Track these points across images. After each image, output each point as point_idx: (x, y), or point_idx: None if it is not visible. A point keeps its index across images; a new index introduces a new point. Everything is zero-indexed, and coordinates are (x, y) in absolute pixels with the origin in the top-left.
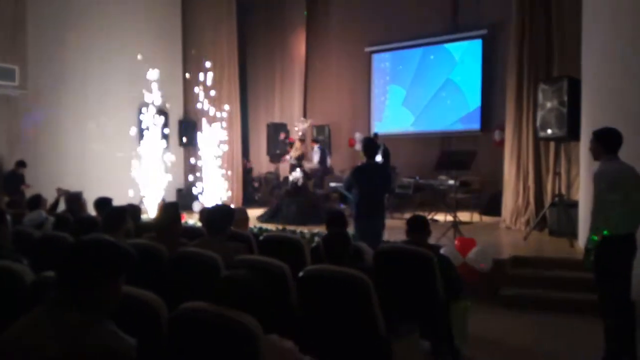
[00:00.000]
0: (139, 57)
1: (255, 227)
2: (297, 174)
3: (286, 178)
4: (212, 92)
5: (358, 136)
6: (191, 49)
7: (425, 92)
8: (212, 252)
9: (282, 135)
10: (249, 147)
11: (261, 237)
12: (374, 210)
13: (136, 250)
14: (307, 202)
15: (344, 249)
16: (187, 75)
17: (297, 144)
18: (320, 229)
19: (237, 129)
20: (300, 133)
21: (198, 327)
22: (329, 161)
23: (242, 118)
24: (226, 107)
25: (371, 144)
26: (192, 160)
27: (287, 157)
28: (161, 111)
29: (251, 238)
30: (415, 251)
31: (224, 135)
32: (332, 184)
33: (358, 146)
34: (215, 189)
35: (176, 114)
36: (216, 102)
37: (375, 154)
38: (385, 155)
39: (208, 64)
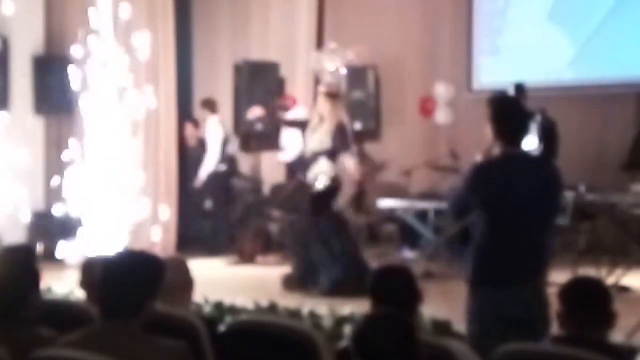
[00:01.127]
0: None
1: (206, 302)
2: (322, 178)
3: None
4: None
5: (443, 92)
6: None
7: None
8: (113, 359)
9: (254, 112)
10: (192, 118)
11: (222, 327)
12: (525, 269)
13: None
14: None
15: (401, 358)
16: None
17: (323, 103)
18: (358, 307)
19: (169, 77)
20: (327, 78)
21: None
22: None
23: (180, 53)
24: (133, 32)
25: (516, 110)
26: (67, 149)
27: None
28: None
29: (198, 327)
30: None
31: (137, 88)
32: (385, 203)
33: (442, 115)
34: (115, 212)
35: (28, 43)
36: (123, 26)
37: (525, 132)
38: (547, 137)
39: None
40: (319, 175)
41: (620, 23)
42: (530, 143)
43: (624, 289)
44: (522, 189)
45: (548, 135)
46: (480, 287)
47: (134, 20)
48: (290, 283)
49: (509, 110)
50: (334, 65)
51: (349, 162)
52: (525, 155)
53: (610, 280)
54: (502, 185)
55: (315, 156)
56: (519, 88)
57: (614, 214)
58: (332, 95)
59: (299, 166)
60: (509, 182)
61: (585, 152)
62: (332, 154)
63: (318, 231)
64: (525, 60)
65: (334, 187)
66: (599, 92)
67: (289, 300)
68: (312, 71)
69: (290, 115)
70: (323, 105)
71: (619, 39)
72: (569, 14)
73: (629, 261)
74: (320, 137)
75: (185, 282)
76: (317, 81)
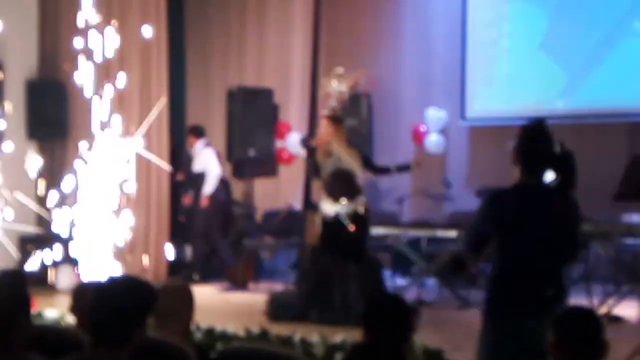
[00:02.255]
0: None
1: (197, 328)
2: (336, 204)
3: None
4: (107, 28)
5: (435, 119)
6: None
7: (592, 24)
8: None
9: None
10: (185, 144)
11: (213, 354)
12: (542, 300)
13: None
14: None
15: None
16: None
17: (326, 127)
18: (350, 335)
19: (162, 102)
20: (332, 103)
21: None
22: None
23: (173, 79)
24: (126, 57)
25: (542, 138)
26: (63, 171)
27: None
28: None
29: (188, 354)
30: None
31: (130, 113)
32: (377, 231)
33: (434, 143)
34: (107, 237)
35: (21, 68)
36: (117, 52)
37: (548, 163)
38: (566, 169)
39: None
40: (344, 208)
41: (613, 54)
42: (549, 174)
43: (616, 319)
44: (536, 219)
45: (566, 166)
46: (496, 319)
47: (128, 46)
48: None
49: (535, 138)
50: (341, 89)
51: None
52: (541, 186)
53: (602, 310)
54: (514, 214)
55: (335, 178)
56: (541, 123)
57: (606, 244)
58: (335, 119)
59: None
60: (522, 212)
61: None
62: (349, 183)
63: (345, 274)
64: (518, 89)
65: (366, 219)
66: (590, 122)
67: (280, 328)
68: (307, 97)
69: (284, 142)
70: (326, 128)
71: (611, 70)
72: (562, 44)
73: (621, 291)
74: (337, 162)
75: (185, 307)
76: (312, 106)
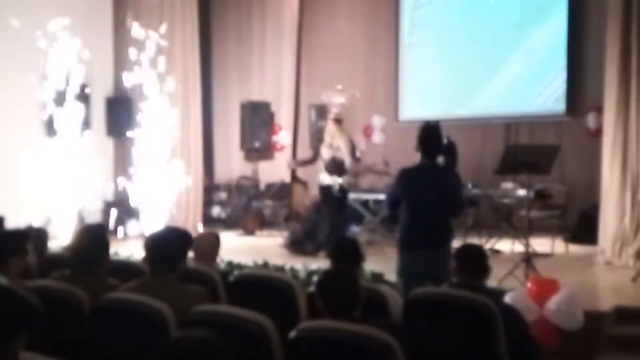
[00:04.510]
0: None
1: (221, 260)
2: (332, 178)
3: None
4: (159, 60)
5: (378, 122)
6: None
7: (481, 55)
8: (157, 300)
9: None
10: (212, 139)
11: (231, 277)
12: (432, 239)
13: (40, 298)
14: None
15: (348, 297)
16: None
17: (332, 126)
18: (323, 264)
19: (197, 111)
20: (334, 110)
21: None
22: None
23: (204, 96)
24: (172, 80)
25: (434, 134)
26: (130, 158)
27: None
28: (82, 86)
29: (215, 278)
30: (466, 300)
31: (175, 119)
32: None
33: (377, 137)
34: (161, 201)
35: (102, 89)
36: (165, 73)
37: (438, 150)
38: (450, 154)
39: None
40: (336, 181)
41: (493, 78)
42: (440, 158)
43: (496, 252)
44: (431, 187)
45: (451, 152)
46: (403, 251)
47: (172, 71)
48: (288, 245)
49: (429, 134)
50: (336, 99)
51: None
52: (435, 165)
53: (487, 245)
54: (416, 184)
55: (332, 163)
56: (436, 123)
57: (490, 202)
58: (338, 120)
59: None
60: (422, 183)
61: (471, 161)
62: (341, 167)
63: (331, 218)
64: (432, 101)
65: (346, 190)
66: (479, 123)
67: (276, 260)
68: (292, 108)
69: (277, 137)
70: (332, 127)
71: (492, 88)
72: (460, 70)
73: (499, 233)
74: (335, 151)
75: (215, 247)
76: (296, 113)
